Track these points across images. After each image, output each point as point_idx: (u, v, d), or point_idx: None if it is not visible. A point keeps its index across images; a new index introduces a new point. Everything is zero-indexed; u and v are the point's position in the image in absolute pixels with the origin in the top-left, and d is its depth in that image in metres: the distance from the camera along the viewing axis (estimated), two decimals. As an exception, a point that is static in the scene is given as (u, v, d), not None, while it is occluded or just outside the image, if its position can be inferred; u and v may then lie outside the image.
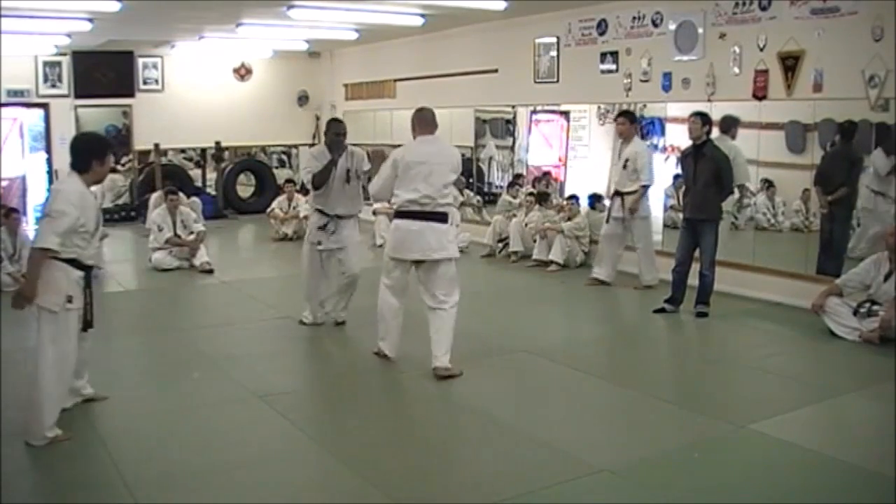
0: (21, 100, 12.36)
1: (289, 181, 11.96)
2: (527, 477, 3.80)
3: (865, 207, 6.93)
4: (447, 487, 3.77)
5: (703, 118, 6.73)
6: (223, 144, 13.60)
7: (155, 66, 13.21)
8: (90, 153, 4.28)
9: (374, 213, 10.34)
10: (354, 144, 6.45)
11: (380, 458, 4.05)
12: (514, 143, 10.99)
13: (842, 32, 6.56)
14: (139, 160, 13.47)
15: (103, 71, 12.72)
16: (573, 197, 9.16)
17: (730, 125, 7.62)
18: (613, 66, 8.66)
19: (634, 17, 8.40)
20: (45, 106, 12.53)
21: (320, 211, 6.24)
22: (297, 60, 14.11)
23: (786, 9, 6.96)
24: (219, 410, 4.72)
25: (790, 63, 6.94)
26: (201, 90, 13.46)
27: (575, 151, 10.09)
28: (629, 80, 8.48)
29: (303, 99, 14.46)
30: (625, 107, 8.41)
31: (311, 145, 13.62)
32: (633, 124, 7.85)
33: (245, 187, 14.47)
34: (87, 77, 12.60)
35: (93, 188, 4.40)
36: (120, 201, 13.43)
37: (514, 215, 9.69)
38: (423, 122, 5.34)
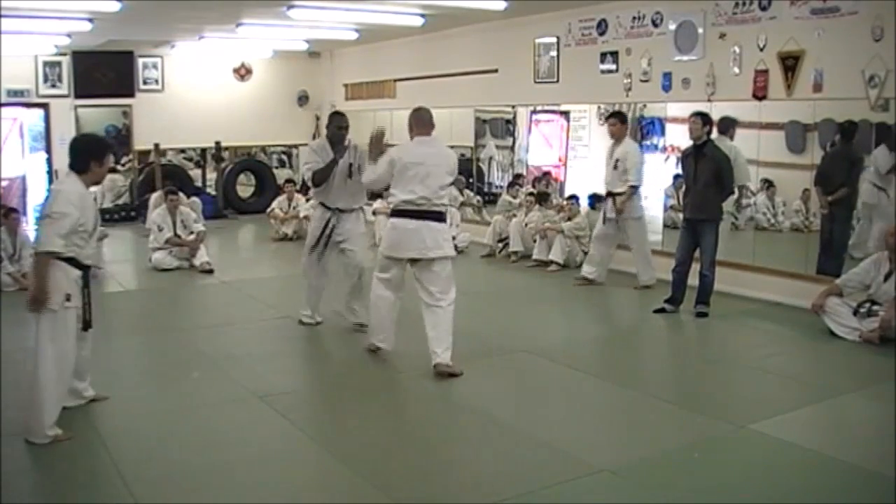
0: (21, 100, 12.36)
1: (289, 181, 11.96)
2: (527, 477, 3.80)
3: (867, 203, 6.92)
4: (447, 487, 3.76)
5: (704, 118, 6.73)
6: (223, 144, 13.60)
7: (155, 66, 13.21)
8: (88, 154, 4.29)
9: (374, 212, 10.34)
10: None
11: (380, 458, 4.05)
12: (514, 143, 11.00)
13: (842, 32, 6.56)
14: (139, 160, 13.46)
15: (103, 71, 12.72)
16: (573, 197, 9.17)
17: (728, 126, 7.63)
18: (613, 66, 8.66)
19: (634, 17, 8.40)
20: (45, 106, 12.53)
21: (322, 204, 6.27)
22: (297, 60, 14.11)
23: (786, 9, 6.96)
24: (219, 410, 4.72)
25: (790, 63, 6.94)
26: (201, 90, 13.46)
27: (575, 151, 10.09)
28: (629, 80, 8.48)
29: (303, 99, 14.46)
30: (625, 107, 8.41)
31: (312, 145, 13.66)
32: (624, 125, 7.86)
33: (245, 187, 14.46)
34: (87, 77, 12.60)
35: (92, 188, 4.42)
36: (120, 201, 13.42)
37: (514, 215, 9.69)
38: (421, 122, 5.35)
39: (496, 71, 10.33)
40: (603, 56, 8.77)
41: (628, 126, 8.07)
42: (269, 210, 11.41)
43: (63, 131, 12.00)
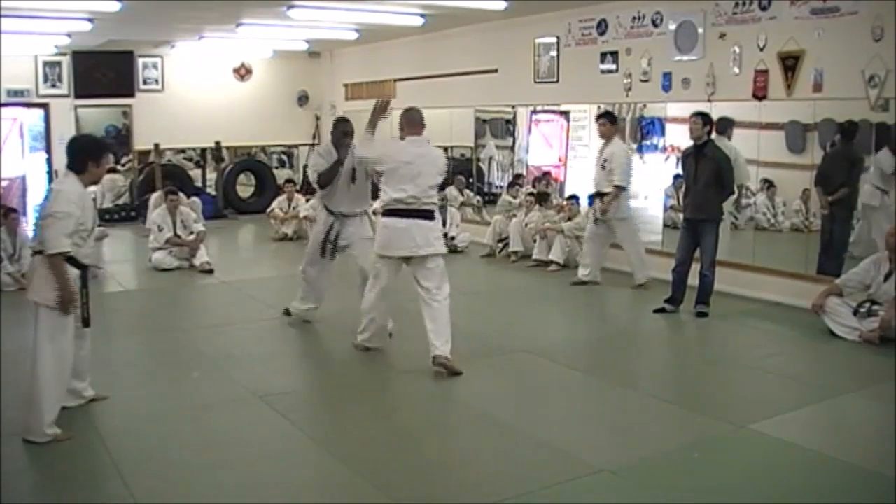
0: (21, 100, 12.36)
1: (289, 181, 11.96)
2: (527, 477, 3.80)
3: (868, 204, 6.91)
4: (447, 487, 3.76)
5: (704, 118, 6.73)
6: (223, 144, 13.60)
7: (155, 66, 13.20)
8: (86, 154, 4.30)
9: (374, 212, 10.33)
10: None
11: (380, 458, 4.05)
12: (514, 143, 10.99)
13: (842, 32, 6.56)
14: (139, 160, 13.46)
15: (103, 71, 12.71)
16: (573, 197, 9.16)
17: (726, 126, 7.63)
18: (613, 66, 8.66)
19: (634, 17, 8.40)
20: (45, 106, 12.52)
21: (326, 208, 6.30)
22: (297, 60, 14.11)
23: (786, 9, 6.96)
24: (219, 410, 4.72)
25: (790, 63, 6.93)
26: (201, 90, 13.46)
27: (575, 151, 10.08)
28: (629, 80, 8.48)
29: (303, 99, 14.46)
30: (625, 107, 8.40)
31: (312, 145, 13.69)
32: (613, 125, 7.87)
33: (245, 187, 14.46)
34: (87, 77, 12.59)
35: (90, 188, 4.43)
36: (120, 201, 13.42)
37: (514, 215, 9.69)
38: (412, 122, 5.45)
39: (496, 71, 10.33)
40: (603, 56, 8.76)
41: (618, 126, 8.08)
42: (269, 210, 11.41)
43: (63, 131, 11.95)
